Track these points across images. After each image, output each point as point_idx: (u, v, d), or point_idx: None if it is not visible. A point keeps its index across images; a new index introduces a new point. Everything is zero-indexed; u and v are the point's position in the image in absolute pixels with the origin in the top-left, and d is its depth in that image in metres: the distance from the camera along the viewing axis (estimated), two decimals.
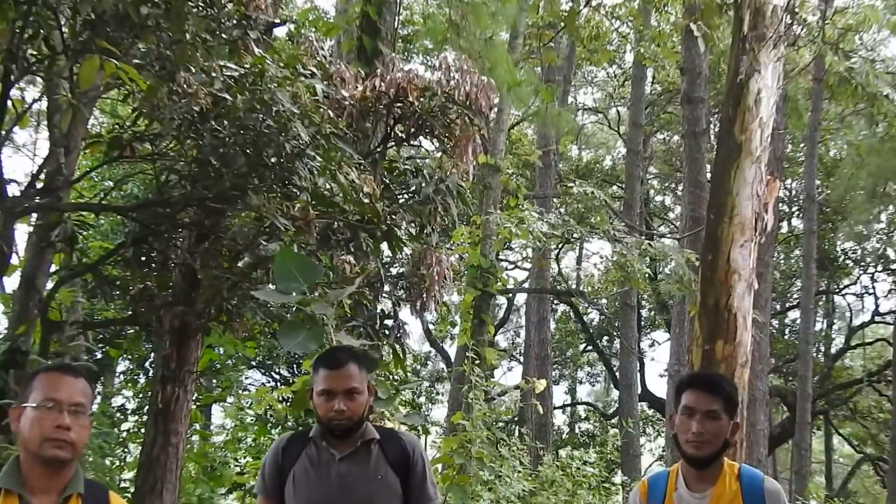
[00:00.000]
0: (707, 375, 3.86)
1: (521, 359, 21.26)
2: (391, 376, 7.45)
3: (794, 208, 21.18)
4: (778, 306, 21.61)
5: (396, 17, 8.64)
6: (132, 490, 8.75)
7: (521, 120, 16.98)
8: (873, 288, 21.93)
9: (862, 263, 21.75)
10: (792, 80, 12.36)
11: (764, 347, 14.74)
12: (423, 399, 22.60)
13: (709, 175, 12.70)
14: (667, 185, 25.26)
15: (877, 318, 22.16)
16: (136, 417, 12.27)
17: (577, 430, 27.14)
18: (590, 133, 24.16)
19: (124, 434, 11.38)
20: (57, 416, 2.58)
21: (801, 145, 18.95)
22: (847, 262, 21.71)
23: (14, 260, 6.97)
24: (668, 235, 19.73)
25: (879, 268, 21.63)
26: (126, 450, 11.45)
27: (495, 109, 8.71)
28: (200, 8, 6.98)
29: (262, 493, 3.49)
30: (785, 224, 21.36)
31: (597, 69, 22.17)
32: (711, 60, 15.83)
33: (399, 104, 7.19)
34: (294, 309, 6.19)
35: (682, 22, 11.80)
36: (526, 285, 22.09)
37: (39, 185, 7.23)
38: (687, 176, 15.99)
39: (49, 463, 2.58)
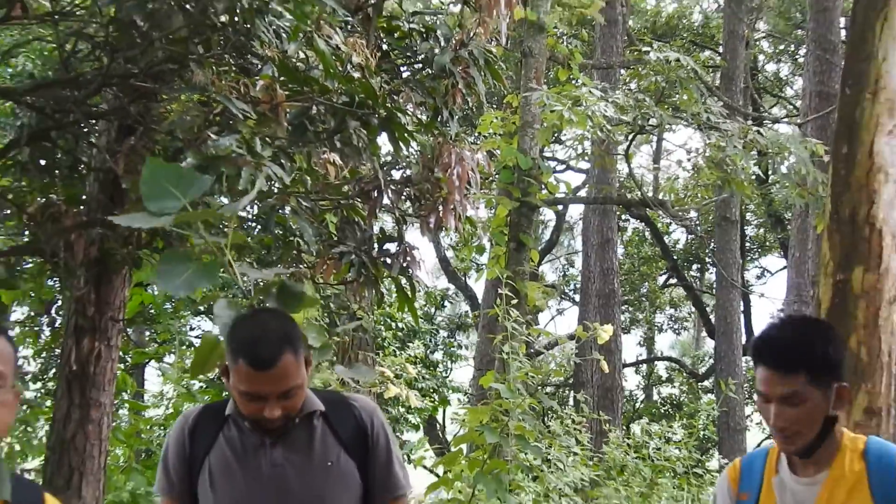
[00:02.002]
0: (782, 343, 3.48)
1: (578, 297, 22.23)
2: (397, 322, 7.91)
3: None
4: None
5: None
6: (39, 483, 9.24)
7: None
8: None
9: None
10: None
11: None
12: (439, 355, 23.33)
13: (843, 33, 12.94)
14: (783, 48, 26.51)
15: None
16: (41, 384, 12.89)
17: (655, 397, 28.68)
18: None
19: (24, 408, 11.97)
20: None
21: None
22: None
23: None
24: (786, 119, 20.74)
25: None
26: (29, 429, 12.03)
27: None
28: None
29: (164, 493, 3.55)
30: None
31: None
32: None
33: None
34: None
35: None
36: (583, 193, 22.64)
37: None
38: (812, 35, 16.86)
39: None
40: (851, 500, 3.16)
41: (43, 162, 7.86)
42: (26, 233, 9.13)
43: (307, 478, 3.41)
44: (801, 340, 3.30)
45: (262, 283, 5.41)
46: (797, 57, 24.09)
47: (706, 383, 24.80)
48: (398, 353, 16.32)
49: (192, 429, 3.54)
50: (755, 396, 3.40)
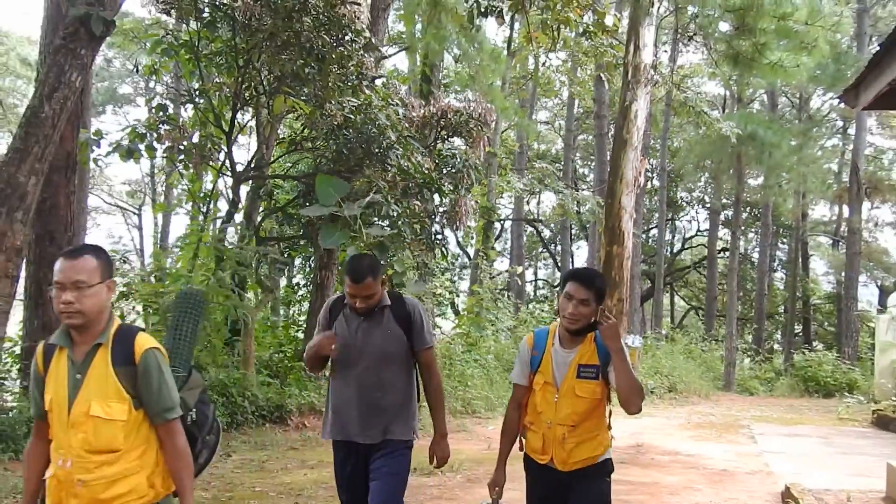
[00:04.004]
0: (585, 272, 4.74)
1: (508, 256, 37.33)
2: (436, 265, 15.67)
3: (654, 174, 36.83)
4: (645, 227, 40.67)
5: (440, 73, 17.57)
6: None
7: (508, 128, 31.80)
8: (697, 216, 46.53)
9: (690, 203, 45.66)
10: (654, 103, 22.32)
11: (638, 249, 27.98)
12: (456, 280, 33.50)
13: (609, 155, 22.57)
14: (586, 163, 46.02)
15: (697, 233, 46.65)
16: (305, 290, 20.61)
17: (537, 294, 46.27)
18: (544, 135, 45.40)
19: (300, 296, 19.76)
20: (61, 293, 3.37)
21: (658, 139, 34.79)
22: (682, 202, 44.83)
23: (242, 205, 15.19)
24: (587, 190, 34.18)
25: (699, 206, 45.30)
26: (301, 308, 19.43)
27: (494, 122, 17.00)
28: (336, 68, 13.31)
29: (320, 326, 5.19)
30: (650, 183, 37.45)
31: (547, 99, 41.72)
32: (610, 94, 28.91)
33: (443, 119, 14.65)
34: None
35: (595, 73, 23.53)
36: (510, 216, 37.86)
37: (253, 164, 14.84)
38: (597, 157, 31.29)
39: (71, 327, 3.47)
40: (588, 357, 4.49)
41: (307, 203, 14.11)
42: (301, 230, 15.15)
43: (376, 336, 4.98)
44: (595, 274, 4.79)
45: (374, 238, 11.13)
46: (590, 166, 45.72)
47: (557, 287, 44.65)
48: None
49: (331, 306, 5.19)
50: (560, 298, 4.58)
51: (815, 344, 31.52)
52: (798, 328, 36.65)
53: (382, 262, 11.94)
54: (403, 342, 5.05)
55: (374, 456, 5.00)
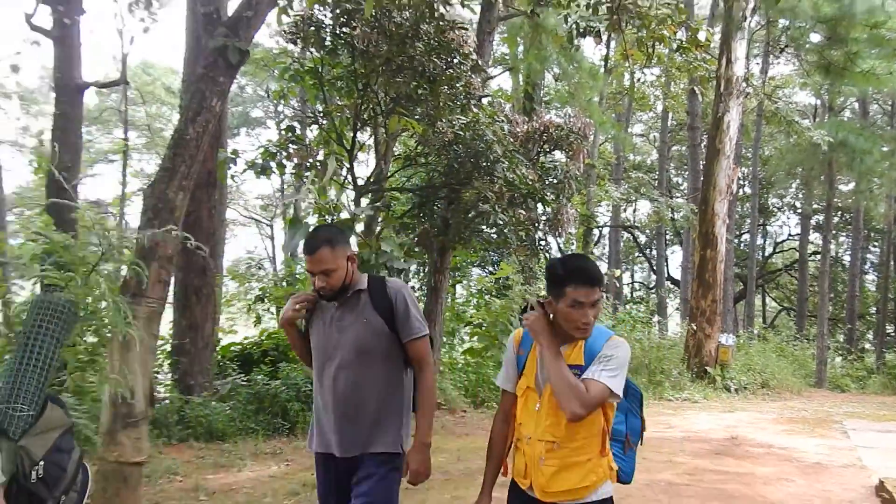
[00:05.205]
0: (588, 267, 3.53)
1: (607, 260, 37.61)
2: (539, 269, 15.69)
3: (746, 181, 36.37)
4: (737, 232, 39.94)
5: (541, 91, 17.67)
6: None
7: (605, 140, 32.01)
8: (788, 221, 45.78)
9: (781, 209, 44.84)
10: (746, 114, 21.76)
11: (731, 253, 26.92)
12: None
13: (702, 164, 22.50)
14: (679, 172, 44.37)
15: (788, 238, 45.60)
16: (420, 293, 20.87)
17: (634, 295, 46.02)
18: (639, 146, 44.68)
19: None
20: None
21: (750, 148, 33.78)
22: (774, 208, 44.14)
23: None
24: (681, 197, 33.71)
25: (790, 212, 44.74)
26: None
27: (592, 135, 17.08)
28: (446, 89, 13.47)
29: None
30: (741, 190, 37.46)
31: (642, 112, 41.48)
32: (703, 106, 28.52)
33: (545, 134, 14.78)
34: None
35: (688, 86, 22.17)
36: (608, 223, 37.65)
37: (372, 179, 15.08)
38: (690, 166, 30.76)
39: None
40: (574, 357, 3.45)
41: (422, 215, 14.51)
42: (416, 238, 15.15)
43: (352, 326, 4.03)
44: (595, 268, 3.53)
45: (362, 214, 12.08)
46: (685, 175, 42.13)
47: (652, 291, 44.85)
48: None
49: (314, 301, 4.18)
50: (558, 304, 3.47)
51: None
52: (890, 329, 35.53)
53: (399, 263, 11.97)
54: (386, 334, 4.10)
55: (355, 476, 4.04)
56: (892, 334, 35.38)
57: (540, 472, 3.48)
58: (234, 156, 13.30)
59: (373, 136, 15.17)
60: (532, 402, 3.57)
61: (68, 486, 2.69)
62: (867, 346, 37.44)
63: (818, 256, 33.35)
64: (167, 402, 11.06)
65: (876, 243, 39.96)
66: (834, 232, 36.73)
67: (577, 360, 3.46)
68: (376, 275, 4.34)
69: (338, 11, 13.11)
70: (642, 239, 47.05)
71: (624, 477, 3.66)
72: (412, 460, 4.12)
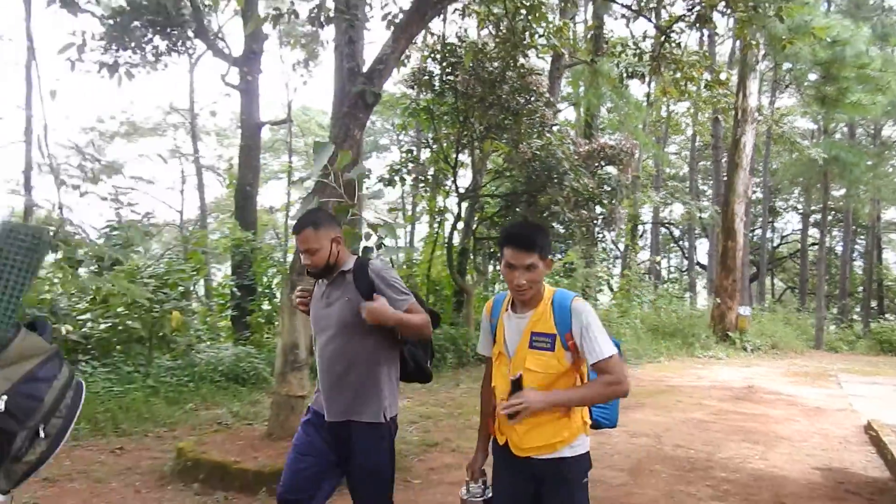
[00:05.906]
0: (521, 231, 2.89)
1: (649, 249, 36.07)
2: (598, 256, 15.51)
3: (758, 188, 32.90)
4: (752, 227, 36.38)
5: (598, 120, 17.33)
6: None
7: (647, 157, 30.55)
8: (791, 219, 42.69)
9: (786, 209, 42.18)
10: (758, 137, 20.57)
11: (747, 244, 24.56)
12: (611, 266, 33.43)
13: (724, 175, 22.13)
14: (705, 181, 40.56)
15: (792, 232, 42.69)
16: None
17: (670, 276, 43.40)
18: (674, 161, 40.28)
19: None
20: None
21: (761, 162, 31.92)
22: (780, 209, 41.48)
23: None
24: (707, 201, 32.96)
25: (793, 212, 41.40)
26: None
27: (637, 153, 16.68)
28: (526, 119, 13.45)
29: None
30: (754, 195, 33.50)
31: (676, 136, 38.35)
32: (724, 130, 26.70)
33: (601, 153, 14.49)
34: None
35: (712, 115, 21.09)
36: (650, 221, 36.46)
37: (470, 188, 15.41)
38: (714, 177, 30.36)
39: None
40: (542, 324, 2.82)
41: (507, 215, 14.34)
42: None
43: (337, 303, 3.36)
44: (532, 232, 2.87)
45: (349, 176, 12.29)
46: (709, 184, 33.08)
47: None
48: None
49: (311, 292, 3.58)
50: (501, 266, 2.87)
51: (887, 315, 29.79)
52: (874, 303, 34.37)
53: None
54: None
55: (343, 451, 3.39)
56: (875, 308, 34.36)
57: (513, 430, 2.89)
58: (368, 172, 13.36)
59: (470, 157, 15.16)
60: (504, 367, 2.94)
61: (48, 415, 1.93)
62: (855, 317, 36.25)
63: (816, 247, 32.43)
64: None
65: (862, 236, 38.53)
66: (828, 227, 35.51)
67: (546, 328, 2.83)
68: (362, 257, 3.50)
69: (444, 63, 13.36)
70: (676, 233, 45.98)
71: (608, 423, 3.12)
72: (376, 301, 3.29)
